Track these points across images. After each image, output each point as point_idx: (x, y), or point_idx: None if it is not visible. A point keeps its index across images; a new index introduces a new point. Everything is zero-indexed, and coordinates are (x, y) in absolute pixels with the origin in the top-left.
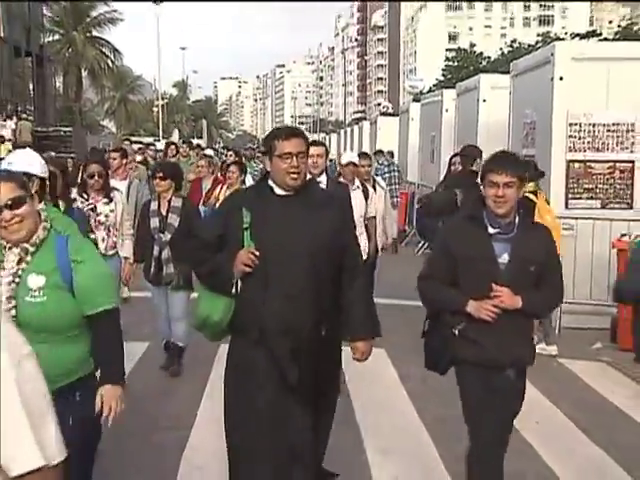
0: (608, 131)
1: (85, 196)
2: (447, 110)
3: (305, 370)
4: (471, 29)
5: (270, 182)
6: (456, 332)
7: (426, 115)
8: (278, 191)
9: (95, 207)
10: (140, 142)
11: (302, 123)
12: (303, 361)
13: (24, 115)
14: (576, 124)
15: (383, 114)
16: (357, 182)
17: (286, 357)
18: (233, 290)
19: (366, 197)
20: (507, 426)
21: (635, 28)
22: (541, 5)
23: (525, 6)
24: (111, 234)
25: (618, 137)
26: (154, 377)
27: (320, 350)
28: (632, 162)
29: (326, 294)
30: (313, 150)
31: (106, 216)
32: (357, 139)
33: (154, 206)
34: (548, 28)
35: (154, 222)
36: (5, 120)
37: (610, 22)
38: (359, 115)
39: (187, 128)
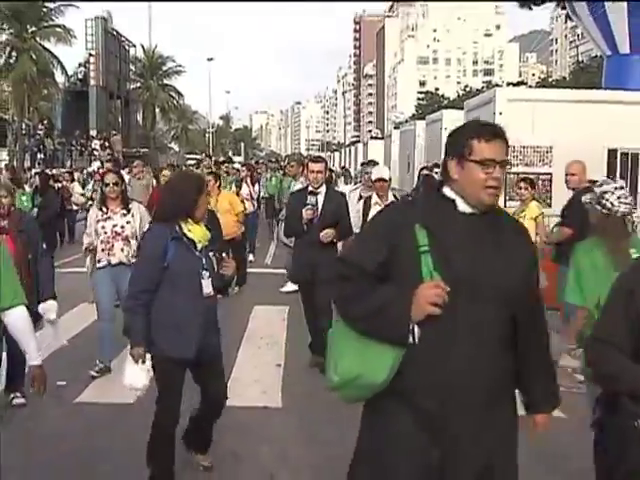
0: (533, 151)
1: (104, 209)
2: (419, 135)
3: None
4: (435, 78)
5: (450, 193)
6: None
7: (404, 139)
8: (463, 207)
9: (111, 218)
10: (195, 158)
11: (314, 145)
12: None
13: (113, 131)
14: (511, 146)
15: (373, 138)
16: (390, 197)
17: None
18: (409, 338)
19: None
20: None
21: (550, 79)
22: (485, 62)
23: (474, 61)
24: (131, 244)
25: (540, 156)
26: None
27: (499, 424)
28: (550, 174)
29: (510, 346)
30: (314, 166)
31: (122, 227)
32: (353, 156)
33: None
34: (490, 78)
35: None
36: (103, 141)
37: (533, 75)
38: (355, 139)
39: (230, 149)
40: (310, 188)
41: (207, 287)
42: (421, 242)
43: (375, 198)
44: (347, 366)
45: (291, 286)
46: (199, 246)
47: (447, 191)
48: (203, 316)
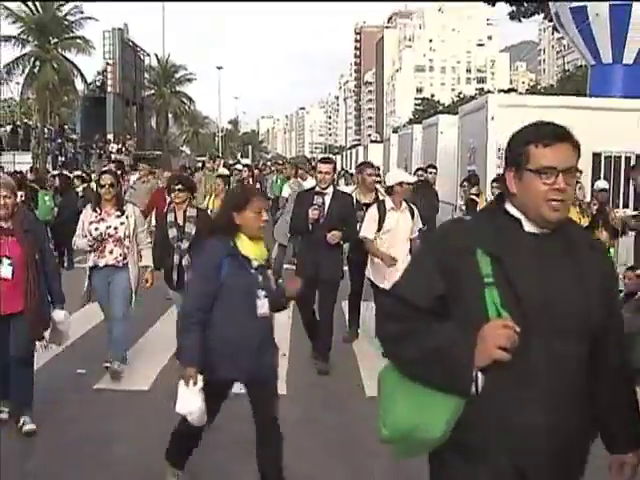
0: None
1: (98, 210)
2: (416, 139)
3: None
4: (431, 84)
5: (514, 211)
6: None
7: (402, 142)
8: (529, 227)
9: (104, 219)
10: (202, 160)
11: (317, 148)
12: None
13: (128, 136)
14: (502, 149)
15: (372, 141)
16: (404, 203)
17: None
18: (472, 388)
19: (412, 217)
20: None
21: (538, 87)
22: (478, 70)
23: (467, 70)
24: (122, 246)
25: None
26: None
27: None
28: None
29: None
30: (323, 167)
31: (115, 229)
32: (354, 158)
33: (171, 217)
34: (483, 85)
35: (172, 232)
36: (119, 144)
37: (523, 82)
38: (356, 142)
39: (238, 151)
40: (317, 188)
41: (262, 307)
42: (485, 271)
43: (390, 203)
44: (398, 418)
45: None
46: (254, 264)
47: (510, 208)
48: (257, 337)
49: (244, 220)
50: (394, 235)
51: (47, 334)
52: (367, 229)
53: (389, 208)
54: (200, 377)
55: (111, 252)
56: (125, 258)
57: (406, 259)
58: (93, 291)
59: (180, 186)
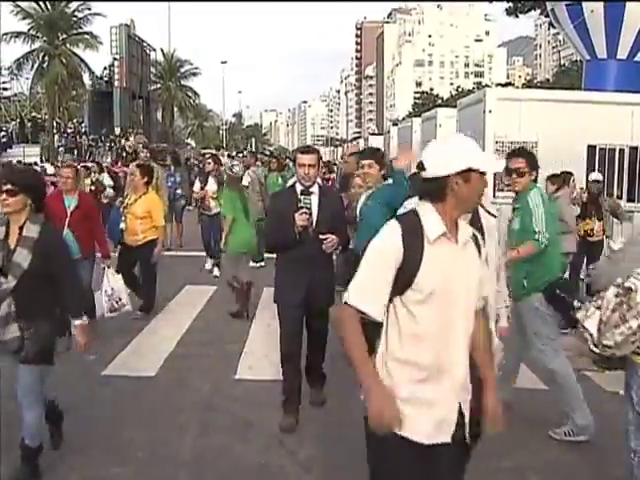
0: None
1: None
2: (415, 132)
3: None
4: (430, 79)
5: None
6: None
7: (401, 135)
8: None
9: None
10: (210, 153)
11: (319, 140)
12: None
13: (139, 132)
14: (499, 142)
15: (372, 134)
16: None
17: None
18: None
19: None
20: None
21: (535, 81)
22: (476, 64)
23: (466, 64)
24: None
25: None
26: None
27: None
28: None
29: None
30: (305, 159)
31: None
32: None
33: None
34: (480, 79)
35: None
36: (127, 138)
37: (519, 77)
38: (356, 135)
39: (242, 144)
40: (300, 187)
41: None
42: None
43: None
44: None
45: None
46: None
47: None
48: None
49: None
50: None
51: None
52: None
53: None
54: None
55: None
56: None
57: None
58: None
59: (10, 186)
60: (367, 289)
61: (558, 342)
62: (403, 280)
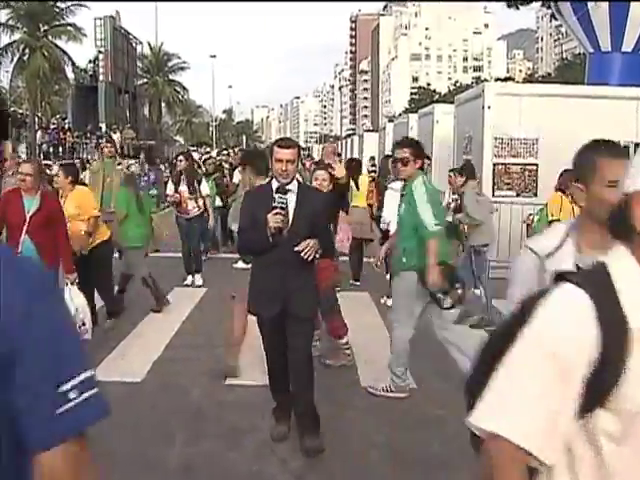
0: (520, 143)
1: None
2: (412, 128)
3: None
4: (427, 73)
5: None
6: None
7: (397, 131)
8: None
9: None
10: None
11: (312, 137)
12: None
13: (127, 126)
14: (499, 138)
15: (367, 131)
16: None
17: None
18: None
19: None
20: None
21: (536, 75)
22: (475, 58)
23: (464, 58)
24: None
25: (527, 147)
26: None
27: None
28: (536, 165)
29: None
30: (283, 153)
31: None
32: (349, 148)
33: None
34: (479, 74)
35: None
36: (113, 132)
37: (520, 71)
38: (351, 132)
39: (232, 141)
40: (276, 184)
41: None
42: None
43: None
44: None
45: None
46: None
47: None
48: None
49: None
50: None
51: None
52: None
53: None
54: None
55: None
56: None
57: None
58: None
59: None
60: (531, 414)
61: (414, 317)
62: (592, 395)
